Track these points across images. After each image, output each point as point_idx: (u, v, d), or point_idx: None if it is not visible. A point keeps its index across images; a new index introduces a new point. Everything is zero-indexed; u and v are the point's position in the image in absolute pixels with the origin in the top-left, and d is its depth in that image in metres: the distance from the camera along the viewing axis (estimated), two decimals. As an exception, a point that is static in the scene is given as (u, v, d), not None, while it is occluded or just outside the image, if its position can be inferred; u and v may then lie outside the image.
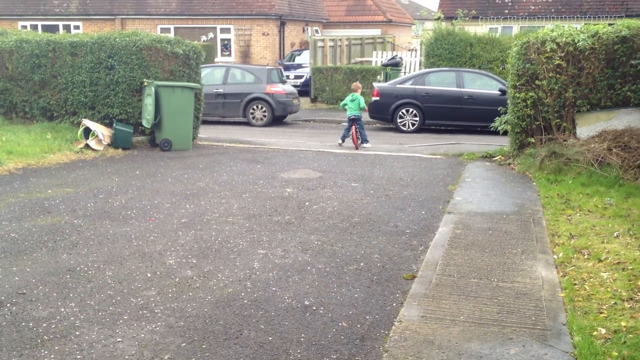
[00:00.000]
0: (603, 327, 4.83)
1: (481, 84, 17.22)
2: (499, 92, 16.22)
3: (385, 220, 8.05)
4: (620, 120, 11.02)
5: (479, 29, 23.56)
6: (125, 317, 5.03)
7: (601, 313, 5.13)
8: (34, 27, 27.68)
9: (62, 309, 5.16)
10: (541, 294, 5.57)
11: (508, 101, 12.38)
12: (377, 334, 4.85)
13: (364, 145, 14.08)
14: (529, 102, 11.57)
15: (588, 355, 4.34)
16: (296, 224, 7.84)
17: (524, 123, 11.78)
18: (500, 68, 19.71)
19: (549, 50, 11.29)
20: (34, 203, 8.62)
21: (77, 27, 28.48)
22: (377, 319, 5.14)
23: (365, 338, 4.78)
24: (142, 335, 4.70)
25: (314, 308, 5.32)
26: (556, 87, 11.39)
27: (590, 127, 11.21)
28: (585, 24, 14.09)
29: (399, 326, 4.94)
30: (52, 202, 8.67)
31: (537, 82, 11.52)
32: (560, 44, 11.28)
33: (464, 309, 5.26)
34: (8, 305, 5.22)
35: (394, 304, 5.44)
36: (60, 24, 28.56)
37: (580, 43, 11.02)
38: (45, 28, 26.64)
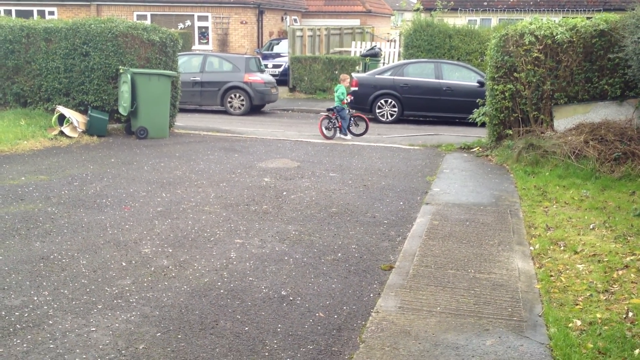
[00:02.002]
0: (579, 319, 4.86)
1: (460, 76, 17.26)
2: (478, 84, 16.27)
3: (363, 211, 8.04)
4: (597, 113, 11.11)
5: (458, 20, 23.62)
6: (100, 306, 4.95)
7: (577, 305, 5.16)
8: (8, 12, 27.15)
9: (35, 298, 5.06)
10: (517, 286, 5.59)
11: (486, 93, 12.42)
12: (354, 325, 4.83)
13: (341, 136, 13.96)
14: (507, 94, 11.62)
15: (564, 346, 4.37)
16: (274, 214, 7.79)
17: (502, 115, 11.83)
18: (479, 60, 19.78)
19: (527, 42, 11.34)
20: (7, 190, 8.46)
21: (51, 13, 28.00)
22: (354, 309, 5.12)
23: (342, 328, 4.76)
24: (117, 325, 4.63)
25: (291, 298, 5.28)
26: (534, 80, 11.44)
27: (567, 119, 11.29)
28: (563, 17, 14.16)
29: (376, 317, 4.92)
30: (26, 190, 8.52)
31: (515, 74, 11.56)
32: (539, 36, 11.33)
33: (441, 300, 5.26)
34: (-21, 294, 5.11)
35: (371, 295, 5.43)
36: (35, 9, 28.03)
37: (559, 36, 11.09)
38: (19, 13, 26.15)
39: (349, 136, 13.98)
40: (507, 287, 5.56)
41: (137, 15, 27.93)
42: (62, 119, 12.81)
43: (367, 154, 12.04)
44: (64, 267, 5.78)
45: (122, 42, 13.48)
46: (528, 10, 25.24)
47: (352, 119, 14.17)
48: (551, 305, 5.11)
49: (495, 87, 11.74)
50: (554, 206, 8.24)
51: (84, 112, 13.52)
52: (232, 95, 18.58)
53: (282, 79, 24.09)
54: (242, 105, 18.50)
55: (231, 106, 18.59)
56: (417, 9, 23.12)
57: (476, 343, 4.47)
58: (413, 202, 8.58)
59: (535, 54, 11.34)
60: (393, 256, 6.42)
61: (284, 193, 8.80)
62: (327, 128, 14.03)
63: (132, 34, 13.52)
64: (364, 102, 17.43)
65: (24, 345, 4.28)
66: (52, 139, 12.26)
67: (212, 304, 5.09)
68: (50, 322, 4.65)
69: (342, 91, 13.95)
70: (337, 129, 13.95)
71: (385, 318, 4.90)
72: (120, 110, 13.22)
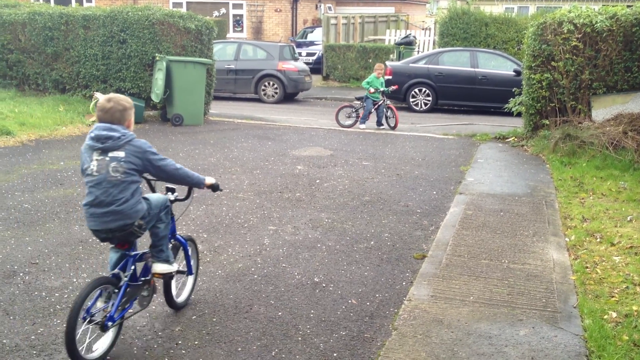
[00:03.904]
0: (614, 311, 4.81)
1: (496, 65, 17.06)
2: (514, 73, 16.07)
3: (396, 200, 8.03)
4: (637, 103, 10.89)
5: (495, 8, 23.32)
6: (137, 289, 5.05)
7: (612, 297, 5.11)
8: (47, 0, 27.59)
9: (74, 280, 5.19)
10: (552, 277, 5.55)
11: (523, 82, 12.27)
12: (386, 312, 4.85)
13: (359, 126, 13.77)
14: (544, 83, 11.46)
15: (598, 338, 4.33)
16: (307, 202, 7.84)
17: (539, 104, 11.68)
18: (516, 49, 19.54)
19: (566, 31, 11.15)
20: (47, 174, 8.65)
21: (89, 0, 28.37)
22: (387, 297, 5.14)
23: (374, 316, 4.78)
24: (153, 307, 4.73)
25: (324, 285, 5.32)
26: (572, 69, 11.26)
27: (605, 110, 11.10)
28: (603, 5, 13.87)
29: (408, 305, 4.94)
30: (65, 174, 8.70)
31: (553, 63, 11.39)
32: (578, 25, 11.13)
33: (474, 289, 5.25)
34: (21, 274, 5.26)
35: (404, 283, 5.44)
36: (73, -4, 28.45)
37: (598, 24, 10.88)
38: (58, 1, 26.56)
39: (363, 125, 13.72)
40: (541, 278, 5.52)
41: (173, 3, 28.14)
42: (99, 105, 13.02)
43: (400, 143, 12.00)
44: (102, 250, 5.90)
45: (159, 29, 13.63)
46: (567, -2, 24.78)
47: (387, 110, 13.83)
48: (586, 297, 5.06)
49: (533, 76, 11.59)
50: (591, 197, 8.13)
51: (120, 99, 13.71)
52: (266, 83, 18.65)
53: (315, 67, 24.08)
54: (276, 93, 18.57)
55: (265, 94, 18.67)
56: (453, -3, 22.88)
57: (509, 333, 4.46)
58: (446, 191, 8.54)
59: (574, 43, 11.15)
60: (426, 245, 6.42)
61: (317, 181, 8.83)
62: (347, 116, 13.89)
63: (169, 22, 13.65)
64: (398, 91, 17.35)
65: (64, 325, 4.38)
66: (89, 125, 12.47)
67: (246, 289, 5.16)
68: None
69: (368, 80, 13.75)
70: (358, 118, 13.73)
71: (417, 306, 4.91)
72: (153, 97, 13.38)
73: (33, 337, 4.21)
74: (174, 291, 4.62)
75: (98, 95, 13.12)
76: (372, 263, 5.89)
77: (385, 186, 8.69)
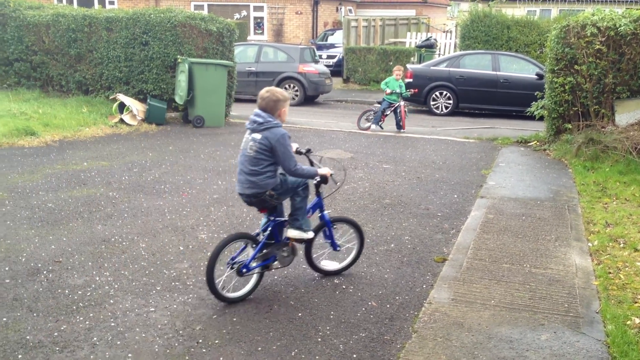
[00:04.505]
0: (637, 317, 4.76)
1: (518, 68, 16.95)
2: (536, 77, 15.97)
3: (416, 203, 8.01)
4: (661, 108, 10.76)
5: (517, 11, 23.17)
6: (158, 288, 5.10)
7: (636, 302, 5.05)
8: (70, 2, 27.92)
9: (97, 278, 5.25)
10: (574, 282, 5.50)
11: (545, 86, 12.17)
12: (406, 315, 4.84)
13: (371, 126, 13.77)
14: (567, 87, 11.37)
15: (621, 343, 4.29)
16: (327, 204, 7.79)
17: (562, 108, 11.58)
18: (538, 52, 19.39)
19: (589, 34, 11.05)
20: (70, 175, 8.75)
21: (112, 3, 28.66)
22: (407, 299, 5.13)
23: (394, 318, 4.78)
24: (175, 306, 4.77)
25: (344, 287, 5.33)
26: (596, 73, 11.16)
27: (629, 114, 10.97)
28: (627, 8, 13.73)
29: (428, 308, 4.92)
30: (88, 175, 8.80)
31: (576, 66, 11.30)
32: (601, 28, 11.03)
33: (495, 293, 5.22)
34: (44, 272, 5.32)
35: (424, 286, 5.43)
36: (96, -2, 28.79)
37: (622, 28, 10.76)
38: (81, 2, 26.88)
39: (373, 126, 13.63)
40: (563, 282, 5.47)
41: (195, 5, 28.35)
42: (122, 107, 13.15)
43: (421, 147, 11.97)
44: (124, 249, 5.96)
45: (181, 31, 13.73)
46: (590, 1, 24.56)
47: (396, 113, 13.69)
48: (609, 302, 5.01)
49: (555, 79, 11.50)
50: (614, 202, 8.05)
51: (143, 100, 13.85)
52: (287, 86, 18.69)
53: (336, 70, 24.11)
54: (296, 95, 18.61)
55: (285, 96, 18.72)
56: None
57: (531, 337, 4.43)
58: (468, 195, 8.51)
59: (597, 46, 11.04)
60: (446, 248, 6.40)
61: (337, 183, 8.82)
62: (367, 119, 13.91)
63: (190, 24, 13.75)
64: (419, 94, 17.30)
65: (87, 322, 4.45)
66: (112, 126, 12.60)
67: (266, 290, 5.18)
68: (111, 301, 4.82)
69: (386, 81, 13.69)
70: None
71: (438, 309, 4.89)
72: (177, 99, 13.48)
73: (56, 333, 4.26)
74: (328, 263, 5.59)
75: (121, 97, 13.26)
76: (392, 265, 5.88)
77: (405, 189, 8.67)
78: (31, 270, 5.36)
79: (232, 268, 4.89)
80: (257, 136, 4.77)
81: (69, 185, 8.20)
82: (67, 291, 4.97)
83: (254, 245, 4.96)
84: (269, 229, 5.02)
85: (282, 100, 4.87)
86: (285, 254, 5.16)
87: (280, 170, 4.94)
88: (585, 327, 4.63)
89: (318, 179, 5.14)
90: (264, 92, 4.90)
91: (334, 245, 5.56)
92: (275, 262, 5.15)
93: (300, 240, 5.19)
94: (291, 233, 5.11)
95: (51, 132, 11.49)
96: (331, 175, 5.20)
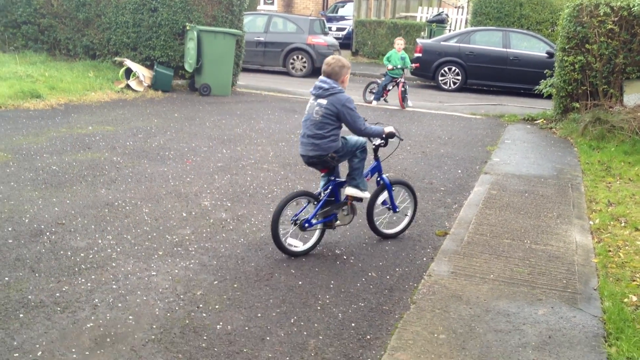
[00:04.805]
0: (634, 295, 4.78)
1: (528, 46, 16.83)
2: (546, 55, 15.86)
3: (420, 177, 8.02)
4: (670, 89, 10.69)
5: (530, -12, 22.86)
6: (160, 253, 5.14)
7: (634, 281, 5.07)
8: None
9: (100, 241, 5.29)
10: (574, 259, 5.52)
11: (555, 64, 12.09)
12: (405, 286, 4.88)
13: (373, 102, 13.74)
14: (577, 66, 11.29)
15: (617, 320, 4.31)
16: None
17: (570, 87, 11.52)
18: (549, 30, 19.23)
19: (602, 14, 10.94)
20: (75, 138, 8.77)
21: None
22: (407, 271, 5.16)
23: (393, 289, 4.81)
24: (176, 271, 4.81)
25: (345, 257, 5.36)
26: (606, 52, 11.07)
27: (638, 95, 10.90)
28: (641, -12, 13.54)
29: (428, 280, 4.95)
30: (93, 139, 8.82)
31: (587, 46, 11.21)
32: (615, 8, 10.91)
33: (495, 268, 5.24)
34: (47, 234, 5.36)
35: (424, 259, 5.45)
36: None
37: (636, 8, 10.65)
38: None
39: (375, 102, 13.62)
40: (563, 259, 5.49)
41: (205, -27, 28.06)
42: (128, 72, 13.12)
43: (427, 121, 11.93)
44: (128, 214, 5.99)
45: (190, -2, 13.64)
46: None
47: (394, 85, 13.56)
48: (607, 280, 5.03)
49: (565, 58, 11.42)
50: (618, 182, 8.04)
51: (150, 67, 13.81)
52: (295, 57, 18.61)
53: (345, 43, 23.99)
54: (304, 67, 18.53)
55: (293, 68, 18.64)
56: (488, -25, 22.50)
57: (528, 311, 4.46)
58: (472, 170, 8.50)
59: (610, 26, 10.94)
60: (448, 223, 6.41)
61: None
62: (371, 92, 13.86)
63: (200, -9, 13.65)
64: (427, 69, 17.22)
65: (88, 284, 4.49)
66: (118, 91, 12.58)
67: (268, 258, 5.21)
68: (114, 264, 4.86)
69: (387, 56, 13.54)
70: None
71: (437, 282, 4.92)
72: (186, 66, 13.44)
73: (58, 294, 4.31)
74: (390, 227, 5.93)
75: (127, 62, 13.22)
76: (393, 238, 5.90)
77: (410, 163, 8.67)
78: (34, 231, 5.40)
79: (295, 224, 5.21)
80: (323, 102, 5.05)
81: (74, 149, 8.22)
82: (69, 253, 5.01)
83: (315, 203, 5.28)
84: (330, 187, 5.37)
85: (346, 67, 5.18)
86: (345, 212, 5.49)
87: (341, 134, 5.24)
88: (582, 303, 4.65)
89: (378, 141, 5.44)
90: (329, 59, 5.18)
91: (394, 207, 5.85)
92: (337, 221, 5.49)
93: (358, 199, 5.44)
94: (349, 190, 5.38)
95: (57, 95, 11.49)
96: (397, 131, 5.46)
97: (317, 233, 5.40)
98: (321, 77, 5.16)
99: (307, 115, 5.19)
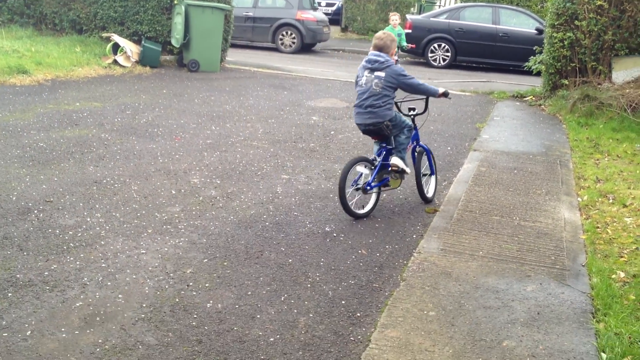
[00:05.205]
0: (622, 271, 4.82)
1: (518, 22, 16.77)
2: (536, 31, 15.82)
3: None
4: (659, 66, 10.71)
5: (520, -36, 22.74)
6: (150, 231, 5.12)
7: (621, 257, 5.11)
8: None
9: (88, 219, 5.26)
10: (562, 235, 5.55)
11: (544, 41, 12.07)
12: (395, 264, 4.89)
13: None
14: (566, 42, 11.27)
15: (605, 296, 4.35)
16: (320, 152, 7.84)
17: (559, 64, 11.51)
18: (539, 6, 19.16)
19: (591, -11, 10.91)
20: (62, 115, 8.68)
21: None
22: (397, 248, 5.18)
23: (383, 266, 4.82)
24: (166, 249, 4.79)
25: (335, 235, 5.36)
26: (595, 29, 11.06)
27: (626, 72, 10.92)
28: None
29: (417, 257, 4.97)
30: (80, 115, 8.73)
31: (576, 22, 11.19)
32: (604, -17, 10.88)
33: (484, 244, 5.27)
34: (35, 212, 5.33)
35: (414, 236, 5.47)
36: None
37: (625, -17, 10.62)
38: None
39: None
40: (551, 236, 5.53)
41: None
42: (116, 48, 12.97)
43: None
44: (116, 191, 5.96)
45: (177, -28, 13.44)
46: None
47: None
48: (595, 256, 5.07)
49: (555, 34, 11.39)
50: (606, 159, 8.07)
51: (137, 42, 13.65)
52: (284, 33, 18.46)
53: (334, 18, 23.80)
54: (294, 43, 18.39)
55: (282, 43, 18.50)
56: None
57: (517, 288, 4.49)
58: (461, 147, 8.51)
59: (599, 2, 10.92)
60: (438, 200, 6.43)
61: (332, 132, 8.82)
62: None
63: (187, -35, 13.45)
64: (417, 46, 17.12)
65: (77, 262, 4.48)
66: (106, 67, 12.45)
67: (258, 235, 5.21)
68: (102, 242, 4.84)
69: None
70: None
71: (426, 259, 4.94)
72: (173, 41, 13.29)
73: (46, 273, 4.28)
74: (424, 188, 6.32)
75: (115, 37, 13.06)
76: (383, 215, 5.91)
77: (399, 140, 8.65)
78: (22, 209, 5.36)
79: (357, 189, 5.69)
80: (381, 74, 5.55)
81: (61, 125, 8.14)
82: (57, 231, 4.98)
83: (372, 168, 5.75)
84: (384, 152, 5.83)
85: (394, 41, 5.72)
86: (395, 177, 5.97)
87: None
88: (570, 279, 4.69)
89: (414, 111, 6.11)
90: (380, 34, 5.74)
91: (433, 171, 6.47)
92: (389, 185, 6.01)
93: (400, 170, 5.85)
94: (394, 160, 5.80)
95: (44, 71, 11.35)
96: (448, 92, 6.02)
97: (374, 196, 5.90)
98: (373, 51, 5.64)
99: (364, 87, 5.62)
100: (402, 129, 5.81)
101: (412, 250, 5.13)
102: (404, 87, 5.64)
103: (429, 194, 6.38)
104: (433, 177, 6.49)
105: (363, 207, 5.86)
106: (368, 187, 5.70)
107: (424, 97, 6.05)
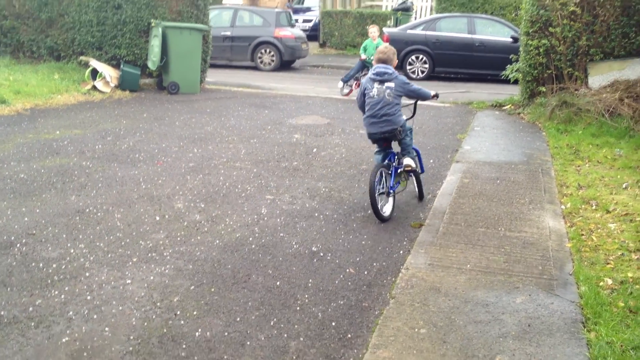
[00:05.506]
0: (610, 278, 4.84)
1: (493, 31, 16.93)
2: (511, 40, 15.98)
3: (393, 168, 8.02)
4: (634, 70, 10.85)
5: (493, -27, 23.00)
6: (135, 260, 5.07)
7: (608, 264, 5.14)
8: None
9: (72, 250, 5.20)
10: (548, 244, 5.58)
11: (520, 49, 12.19)
12: (384, 281, 4.88)
13: (339, 85, 13.81)
14: (541, 49, 11.39)
15: (594, 304, 4.37)
16: (304, 170, 7.83)
17: (536, 71, 11.62)
18: (513, 14, 19.37)
19: (564, -4, 11.05)
20: (42, 144, 8.61)
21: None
22: (384, 266, 5.17)
23: (372, 284, 4.81)
24: (152, 278, 4.75)
25: (322, 254, 5.34)
26: (570, 35, 11.19)
27: (602, 76, 11.05)
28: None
29: (405, 273, 4.96)
30: (61, 143, 8.66)
31: (550, 29, 11.31)
32: (576, -10, 11.02)
33: (471, 257, 5.27)
34: (18, 245, 5.26)
35: (401, 252, 5.46)
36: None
37: (597, -11, 10.76)
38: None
39: (340, 84, 13.64)
40: (537, 245, 5.55)
41: (167, -32, 27.69)
42: (95, 73, 12.92)
43: (398, 111, 11.93)
44: (99, 220, 5.90)
45: (154, -5, 13.44)
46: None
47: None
48: (582, 264, 5.10)
49: (530, 42, 11.51)
50: (587, 165, 8.14)
51: (116, 66, 13.61)
52: (263, 51, 18.50)
53: (312, 34, 23.90)
54: (273, 60, 18.43)
55: (261, 62, 18.53)
56: (451, -38, 22.61)
57: (506, 300, 4.50)
58: (443, 159, 8.54)
59: (572, 8, 11.06)
60: (423, 214, 6.43)
61: (314, 150, 8.82)
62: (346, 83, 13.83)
63: (164, -13, 13.46)
64: (395, 58, 17.19)
65: (62, 296, 4.42)
66: (85, 93, 12.39)
67: (244, 259, 5.18)
68: (87, 274, 4.78)
69: (364, 45, 13.47)
70: (353, 88, 13.60)
71: (415, 275, 4.93)
72: (149, 64, 13.26)
73: (31, 308, 4.22)
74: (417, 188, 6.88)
75: (93, 63, 13.01)
76: (369, 232, 5.90)
77: (382, 154, 8.67)
78: (4, 243, 5.29)
79: (381, 193, 6.12)
80: (391, 84, 6.14)
81: (42, 155, 8.07)
82: (41, 264, 4.92)
83: (389, 172, 6.27)
84: (395, 157, 6.40)
85: (395, 54, 6.41)
86: (404, 178, 6.61)
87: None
88: (559, 289, 4.71)
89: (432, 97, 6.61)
90: (383, 47, 6.38)
91: (422, 169, 6.93)
92: (400, 187, 6.60)
93: (411, 169, 6.42)
94: (407, 161, 6.34)
95: (22, 100, 11.27)
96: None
97: (391, 199, 6.33)
98: (379, 65, 6.22)
99: (377, 98, 6.15)
100: (407, 132, 6.38)
101: (399, 267, 5.12)
102: (410, 94, 6.30)
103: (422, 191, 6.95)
104: (415, 180, 6.89)
105: (385, 212, 6.20)
106: (391, 190, 6.28)
107: (413, 102, 6.60)
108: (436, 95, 6.63)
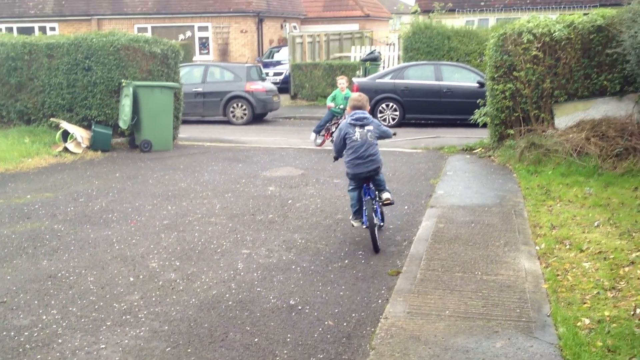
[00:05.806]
0: (587, 317, 4.86)
1: (460, 77, 17.26)
2: (478, 85, 16.28)
3: (368, 216, 8.04)
4: (598, 109, 11.11)
5: (456, 21, 23.61)
6: (109, 323, 4.98)
7: (584, 303, 5.17)
8: (9, 30, 27.32)
9: (44, 317, 5.09)
10: (525, 286, 5.60)
11: (487, 93, 12.42)
12: (363, 332, 4.84)
13: (311, 136, 13.97)
14: (507, 93, 11.62)
15: (573, 345, 4.37)
16: (279, 223, 7.82)
17: (503, 115, 11.83)
18: (478, 60, 19.79)
19: (525, 41, 11.34)
20: (13, 209, 8.51)
21: (52, 29, 28.14)
22: (363, 316, 5.14)
23: (351, 336, 4.77)
24: (126, 341, 4.66)
25: (300, 307, 5.30)
26: (534, 78, 11.45)
27: (568, 117, 11.29)
28: (560, 14, 14.13)
29: (385, 323, 4.94)
30: (32, 208, 8.57)
31: (514, 73, 11.57)
32: (537, 34, 11.33)
33: (449, 303, 5.27)
34: (-11, 314, 5.14)
35: (380, 301, 5.44)
36: (36, 25, 28.20)
37: (557, 33, 11.08)
38: (21, 30, 26.28)
39: (313, 136, 13.76)
40: (514, 288, 5.56)
41: (138, 28, 28.03)
42: (66, 135, 12.88)
43: (371, 159, 12.03)
44: (72, 284, 5.81)
45: (124, 55, 13.55)
46: (525, 8, 25.20)
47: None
48: (559, 305, 5.11)
49: (496, 86, 11.75)
50: (558, 205, 8.24)
51: (87, 127, 13.59)
52: (234, 105, 18.63)
53: (283, 87, 24.10)
54: (245, 114, 18.55)
55: (234, 116, 18.64)
56: (415, 12, 23.21)
57: (486, 345, 4.48)
58: (418, 205, 8.59)
59: (534, 52, 11.34)
60: (400, 261, 6.44)
61: (289, 201, 8.83)
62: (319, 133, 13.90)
63: (134, 47, 13.58)
64: (366, 107, 17.41)
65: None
66: (56, 155, 12.32)
67: (221, 316, 5.11)
68: (60, 340, 4.68)
69: (332, 95, 13.61)
70: (326, 137, 13.68)
71: (394, 324, 4.91)
72: (121, 123, 13.26)
73: (3, 378, 4.11)
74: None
75: (64, 124, 12.98)
76: (347, 282, 5.88)
77: (356, 203, 8.69)
78: (-25, 312, 5.17)
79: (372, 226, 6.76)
80: (370, 127, 6.84)
81: (12, 220, 7.96)
82: (12, 333, 4.80)
83: (374, 207, 6.88)
84: (373, 192, 6.99)
85: (368, 100, 7.18)
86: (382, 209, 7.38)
87: None
88: (537, 331, 4.71)
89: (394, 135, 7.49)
90: (357, 95, 7.16)
91: (382, 220, 7.55)
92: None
93: (390, 202, 7.04)
94: (387, 195, 7.01)
95: (-8, 165, 11.16)
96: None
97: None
98: (356, 111, 6.89)
99: (361, 141, 6.76)
100: (380, 169, 7.07)
101: (379, 316, 5.09)
102: (381, 134, 6.97)
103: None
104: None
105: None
106: (381, 224, 7.26)
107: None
108: (394, 134, 7.50)
